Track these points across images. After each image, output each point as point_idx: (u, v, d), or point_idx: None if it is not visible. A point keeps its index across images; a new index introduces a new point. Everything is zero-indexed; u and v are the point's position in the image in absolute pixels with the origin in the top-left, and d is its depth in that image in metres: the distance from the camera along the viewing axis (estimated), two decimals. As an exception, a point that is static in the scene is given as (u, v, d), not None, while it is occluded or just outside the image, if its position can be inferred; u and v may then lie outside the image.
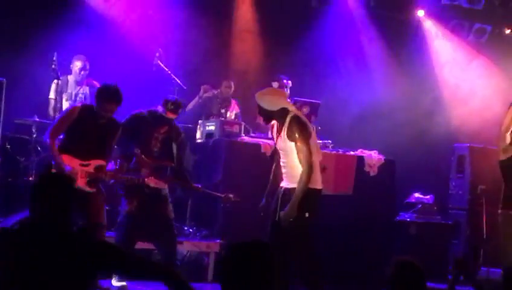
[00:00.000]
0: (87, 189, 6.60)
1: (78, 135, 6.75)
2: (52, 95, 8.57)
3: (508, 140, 6.53)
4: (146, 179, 6.92)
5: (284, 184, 6.41)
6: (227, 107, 9.43)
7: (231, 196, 7.35)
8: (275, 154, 6.67)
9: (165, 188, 7.14)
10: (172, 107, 7.12)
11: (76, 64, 8.71)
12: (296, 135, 6.22)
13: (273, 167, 6.62)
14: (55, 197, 3.68)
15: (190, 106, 9.34)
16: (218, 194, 7.56)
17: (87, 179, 6.68)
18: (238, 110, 9.51)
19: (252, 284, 3.05)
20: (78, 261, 3.40)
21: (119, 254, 3.60)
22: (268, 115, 6.45)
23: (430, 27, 11.77)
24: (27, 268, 3.30)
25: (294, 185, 6.26)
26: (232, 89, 9.67)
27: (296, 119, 6.31)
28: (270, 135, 6.90)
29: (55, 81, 8.39)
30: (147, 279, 3.93)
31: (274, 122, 6.45)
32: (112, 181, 7.15)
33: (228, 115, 9.26)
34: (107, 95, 6.69)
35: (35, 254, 3.12)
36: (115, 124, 6.90)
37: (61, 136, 6.94)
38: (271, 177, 6.66)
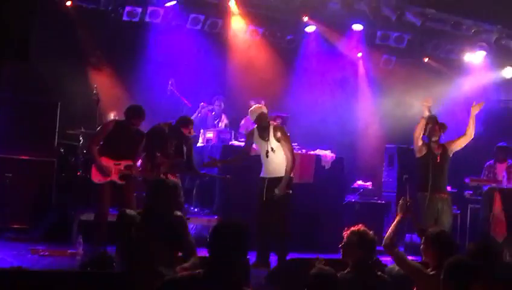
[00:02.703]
0: (119, 182, 7.54)
1: (113, 142, 7.59)
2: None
3: (419, 143, 7.74)
4: (163, 175, 7.57)
5: (267, 175, 7.59)
6: (219, 119, 10.68)
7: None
8: (246, 150, 7.96)
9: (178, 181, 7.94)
10: (191, 127, 8.36)
11: None
12: (281, 136, 7.53)
13: (240, 155, 7.98)
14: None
15: (193, 117, 9.63)
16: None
17: (119, 175, 7.58)
18: (227, 121, 10.77)
19: (233, 249, 3.41)
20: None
21: None
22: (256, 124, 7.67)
23: (362, 71, 13.38)
24: None
25: (276, 176, 7.52)
26: (222, 106, 10.92)
27: (279, 128, 7.63)
28: (247, 139, 8.03)
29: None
30: None
31: (253, 130, 7.64)
32: (140, 178, 8.06)
33: (220, 125, 10.51)
34: (135, 112, 7.60)
35: None
36: (140, 134, 7.72)
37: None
38: (233, 159, 8.14)
